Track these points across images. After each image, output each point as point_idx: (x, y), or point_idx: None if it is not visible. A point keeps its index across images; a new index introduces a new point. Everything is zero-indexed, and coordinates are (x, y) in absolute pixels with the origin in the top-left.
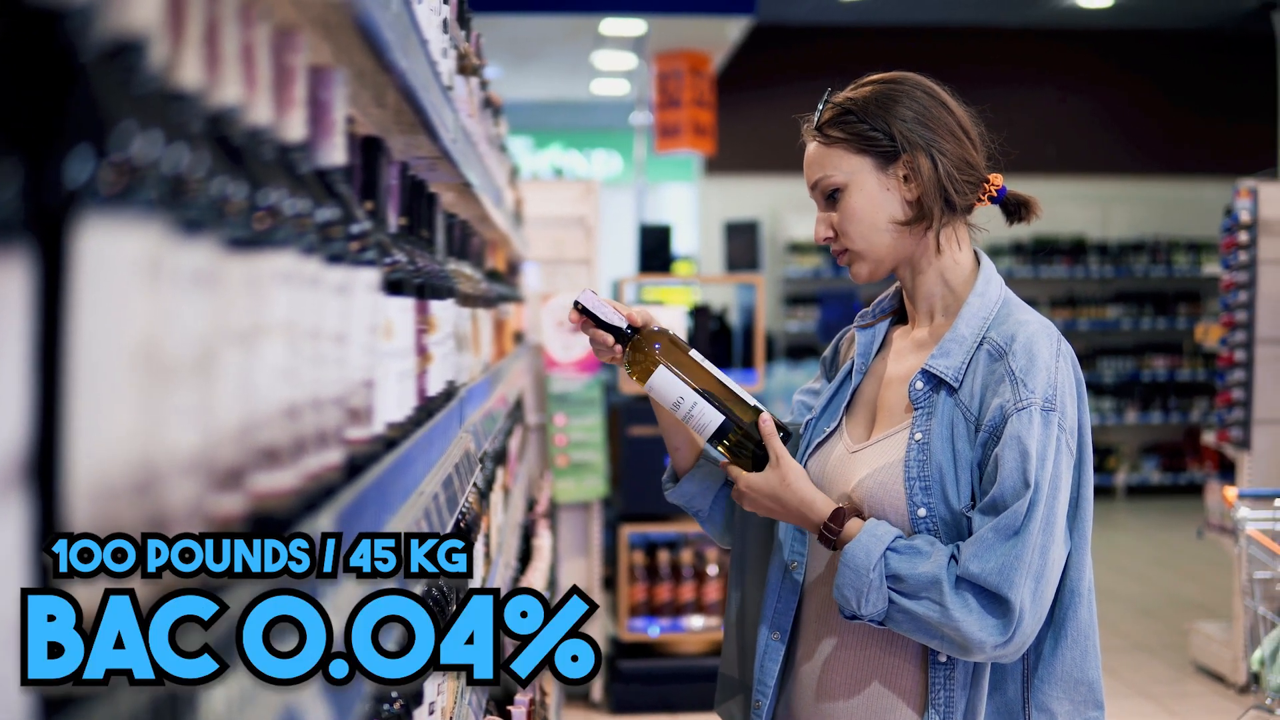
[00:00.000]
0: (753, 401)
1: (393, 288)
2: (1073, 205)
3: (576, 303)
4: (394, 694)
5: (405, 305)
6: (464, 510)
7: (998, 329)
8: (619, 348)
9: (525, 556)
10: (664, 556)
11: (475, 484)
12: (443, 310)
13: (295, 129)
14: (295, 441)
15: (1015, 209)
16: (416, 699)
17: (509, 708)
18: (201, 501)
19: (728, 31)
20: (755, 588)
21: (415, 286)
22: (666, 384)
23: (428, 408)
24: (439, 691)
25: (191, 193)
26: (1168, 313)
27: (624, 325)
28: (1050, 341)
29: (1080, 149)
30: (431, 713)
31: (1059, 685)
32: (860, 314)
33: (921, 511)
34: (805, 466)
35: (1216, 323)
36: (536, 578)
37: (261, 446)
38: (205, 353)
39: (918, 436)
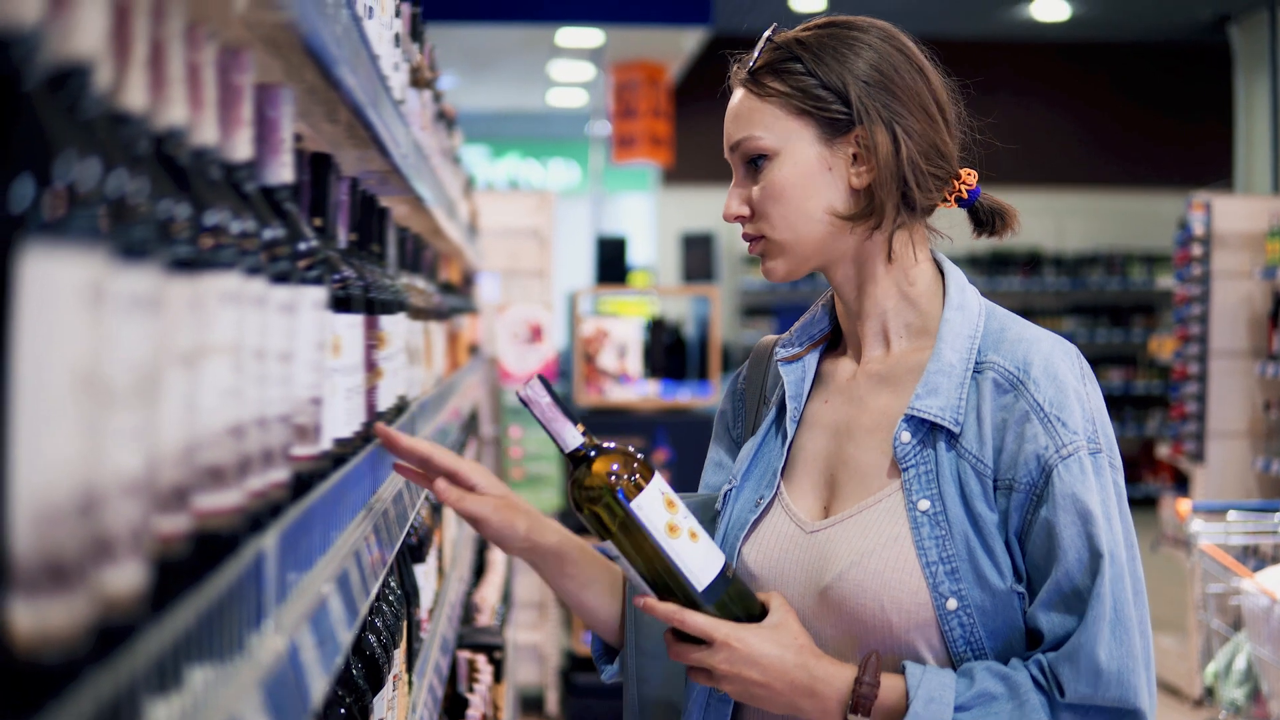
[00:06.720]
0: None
1: (341, 304)
2: (1029, 217)
3: (519, 393)
4: (341, 710)
5: (354, 321)
6: (415, 525)
7: (998, 350)
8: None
9: (479, 569)
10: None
11: (427, 498)
12: (393, 325)
13: (242, 148)
14: (240, 460)
15: (989, 219)
16: (364, 714)
17: None
18: (145, 522)
19: (684, 42)
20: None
21: (364, 302)
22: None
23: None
24: (389, 707)
25: (135, 217)
26: (1123, 325)
27: (576, 444)
28: (1070, 361)
29: (1036, 160)
30: None
31: None
32: (781, 344)
33: (952, 604)
34: (740, 554)
35: (1171, 335)
36: (490, 591)
37: (206, 466)
38: (148, 375)
39: (923, 505)
